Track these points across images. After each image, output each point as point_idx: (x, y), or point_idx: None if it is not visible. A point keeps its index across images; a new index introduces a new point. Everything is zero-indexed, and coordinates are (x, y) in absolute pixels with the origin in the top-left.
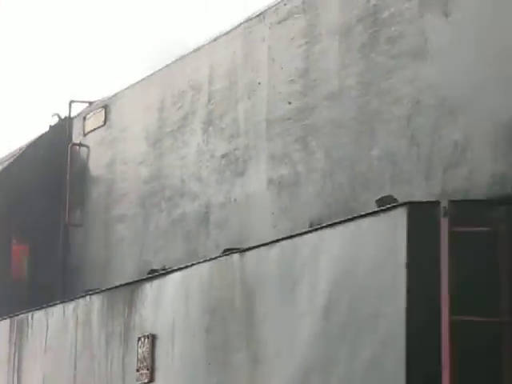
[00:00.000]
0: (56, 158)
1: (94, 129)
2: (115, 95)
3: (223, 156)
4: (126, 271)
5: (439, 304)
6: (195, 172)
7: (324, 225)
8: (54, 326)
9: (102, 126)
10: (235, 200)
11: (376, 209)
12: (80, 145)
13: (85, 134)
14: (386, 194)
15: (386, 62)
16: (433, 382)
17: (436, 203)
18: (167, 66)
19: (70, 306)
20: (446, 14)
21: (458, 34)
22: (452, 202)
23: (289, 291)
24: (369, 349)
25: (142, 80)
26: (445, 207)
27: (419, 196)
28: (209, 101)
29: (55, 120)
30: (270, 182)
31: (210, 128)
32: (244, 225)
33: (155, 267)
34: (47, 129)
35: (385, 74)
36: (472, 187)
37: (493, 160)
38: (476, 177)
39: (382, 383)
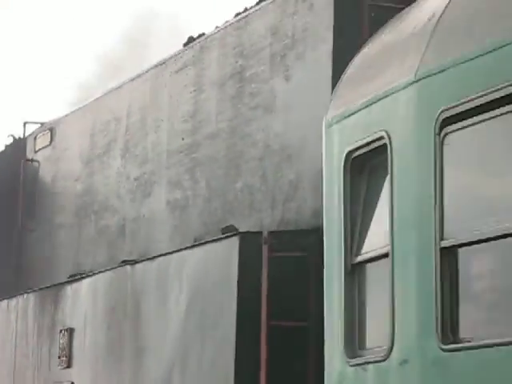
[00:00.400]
0: (12, 172)
1: (43, 147)
2: (59, 119)
3: (135, 179)
4: (64, 272)
5: (260, 312)
6: (116, 190)
7: (183, 247)
8: (0, 318)
9: (49, 145)
10: (144, 216)
11: (220, 236)
12: (32, 160)
13: (36, 151)
14: (230, 224)
15: (247, 112)
16: (254, 377)
17: (259, 233)
18: (97, 98)
19: (12, 302)
20: (287, 78)
21: (295, 94)
22: (270, 233)
23: (162, 298)
24: (212, 347)
25: (80, 108)
26: (265, 237)
27: (267, 222)
28: (126, 131)
29: (10, 140)
30: (168, 203)
31: (127, 154)
32: (149, 237)
33: (85, 269)
34: (3, 148)
35: (246, 121)
36: (300, 218)
37: (313, 198)
38: (303, 210)
39: (219, 373)
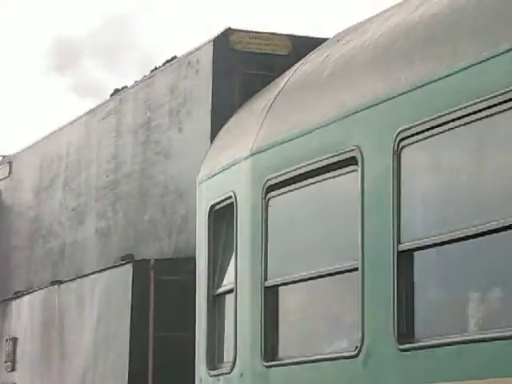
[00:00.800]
0: None
1: (3, 178)
2: (17, 153)
3: (73, 209)
4: (18, 288)
5: (148, 325)
6: (58, 218)
7: (95, 271)
8: None
9: (8, 176)
10: (78, 241)
11: (120, 262)
12: None
13: None
14: (130, 253)
15: (153, 157)
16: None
17: (148, 260)
18: (45, 136)
19: None
20: (180, 130)
21: (186, 143)
22: (156, 260)
23: (80, 313)
24: (114, 354)
25: (33, 143)
26: (152, 264)
27: (166, 250)
28: (66, 168)
29: None
30: (96, 230)
31: (66, 188)
32: (82, 260)
33: (32, 287)
34: None
35: (151, 165)
36: (189, 247)
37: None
38: (191, 240)
39: (118, 374)
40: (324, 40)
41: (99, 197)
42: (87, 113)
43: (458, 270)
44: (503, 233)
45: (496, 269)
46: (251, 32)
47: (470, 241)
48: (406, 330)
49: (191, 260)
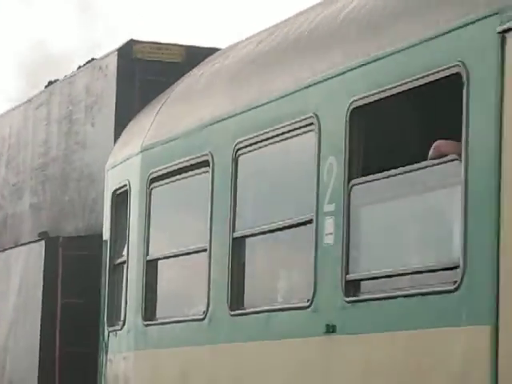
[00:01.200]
0: None
1: None
2: None
3: (13, 185)
4: None
5: (56, 293)
6: (1, 192)
7: (18, 244)
8: None
9: None
10: (17, 214)
11: (37, 238)
12: None
13: None
14: (45, 230)
15: (73, 146)
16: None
17: (57, 238)
18: None
19: None
20: (93, 125)
21: (97, 136)
22: (63, 237)
23: (7, 282)
24: (30, 317)
25: None
26: (61, 241)
27: (80, 227)
28: (8, 148)
29: None
30: (30, 205)
31: (9, 165)
32: (20, 230)
33: None
34: None
35: (72, 153)
36: (98, 225)
37: None
38: (99, 220)
39: (34, 331)
40: (215, 50)
41: (33, 176)
42: (25, 102)
43: (274, 253)
44: (302, 227)
45: (298, 253)
46: (151, 43)
47: (282, 231)
48: (236, 300)
49: (96, 237)
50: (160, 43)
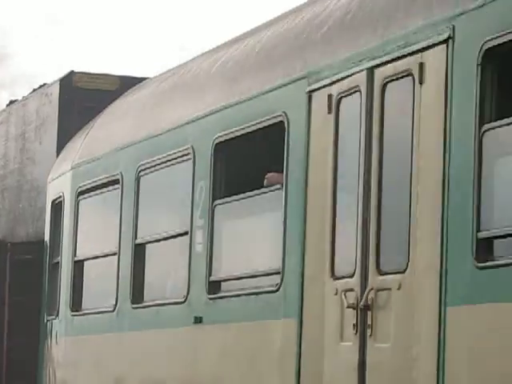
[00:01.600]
0: None
1: None
2: None
3: None
4: None
5: (5, 292)
6: None
7: None
8: None
9: None
10: None
11: None
12: None
13: None
14: (10, 233)
15: (26, 161)
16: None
17: (6, 243)
18: None
19: None
20: (41, 142)
21: (44, 153)
22: (11, 243)
23: None
24: None
25: None
26: (8, 246)
27: (30, 232)
28: None
29: None
30: None
31: None
32: None
33: None
34: None
35: (24, 167)
36: (44, 232)
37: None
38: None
39: None
40: (145, 79)
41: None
42: None
43: (164, 257)
44: (184, 236)
45: (180, 258)
46: (89, 73)
47: (168, 240)
48: (137, 295)
49: (40, 243)
50: (97, 74)
